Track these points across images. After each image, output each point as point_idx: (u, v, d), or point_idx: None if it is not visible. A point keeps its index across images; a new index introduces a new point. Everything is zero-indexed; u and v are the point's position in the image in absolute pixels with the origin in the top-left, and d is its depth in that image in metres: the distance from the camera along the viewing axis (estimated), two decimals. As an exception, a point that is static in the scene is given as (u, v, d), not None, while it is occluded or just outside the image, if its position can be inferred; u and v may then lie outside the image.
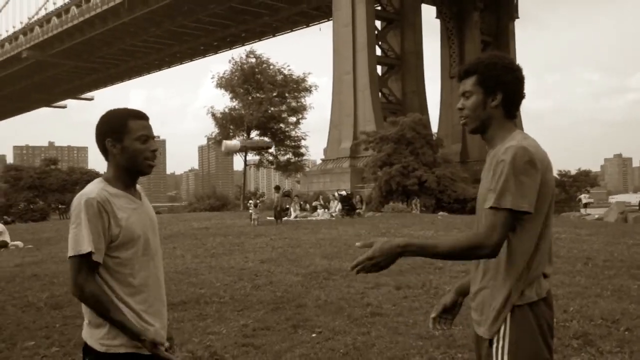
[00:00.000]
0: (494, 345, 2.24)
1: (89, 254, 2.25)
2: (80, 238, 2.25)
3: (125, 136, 2.41)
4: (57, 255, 13.68)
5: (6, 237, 16.03)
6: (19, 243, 16.20)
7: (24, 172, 59.51)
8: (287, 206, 27.17)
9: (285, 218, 25.19)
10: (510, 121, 2.31)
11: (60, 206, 57.77)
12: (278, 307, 7.19)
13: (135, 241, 2.37)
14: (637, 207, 31.33)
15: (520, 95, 2.30)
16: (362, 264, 2.24)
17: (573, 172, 63.07)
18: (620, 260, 11.11)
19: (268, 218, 23.87)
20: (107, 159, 2.48)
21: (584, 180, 61.15)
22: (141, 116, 2.49)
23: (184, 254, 12.82)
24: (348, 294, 7.96)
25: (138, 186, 2.53)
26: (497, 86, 2.25)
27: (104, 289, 2.29)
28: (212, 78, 38.91)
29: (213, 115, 38.93)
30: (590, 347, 5.23)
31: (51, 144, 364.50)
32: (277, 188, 24.86)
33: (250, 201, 26.75)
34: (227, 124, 39.07)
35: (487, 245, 2.11)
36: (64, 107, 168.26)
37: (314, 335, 5.90)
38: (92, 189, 2.38)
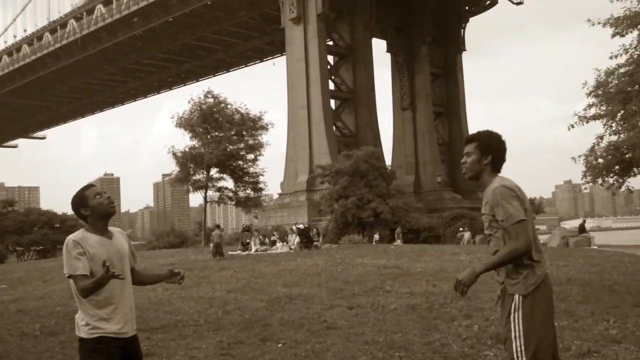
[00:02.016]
0: (512, 316, 3.35)
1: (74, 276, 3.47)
2: (75, 265, 3.47)
3: (88, 201, 3.65)
4: (32, 293, 14.50)
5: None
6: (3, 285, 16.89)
7: (-21, 214, 59.03)
8: (248, 241, 28.27)
9: (247, 252, 26.28)
10: (496, 173, 3.58)
11: (17, 248, 57.36)
12: (247, 327, 8.35)
13: (111, 263, 3.51)
14: (577, 232, 33.24)
15: (504, 159, 3.63)
16: (458, 288, 3.35)
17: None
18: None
19: (229, 253, 24.87)
20: (85, 221, 3.69)
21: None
22: (91, 186, 3.79)
23: (155, 287, 13.74)
24: (307, 314, 9.16)
25: (112, 228, 3.78)
26: (489, 151, 3.55)
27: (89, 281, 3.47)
28: (171, 118, 40.07)
29: (174, 154, 40.00)
30: (502, 345, 6.54)
31: (1, 184, 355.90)
32: (218, 226, 26.31)
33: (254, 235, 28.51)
34: (188, 162, 40.14)
35: (521, 246, 3.30)
36: (15, 146, 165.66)
37: (279, 345, 7.10)
38: (75, 234, 3.61)
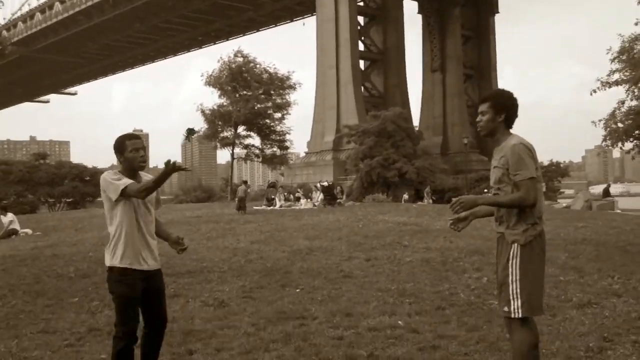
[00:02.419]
0: (510, 262, 3.64)
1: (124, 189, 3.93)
2: (118, 184, 3.95)
3: (125, 151, 4.07)
4: (66, 240, 15.18)
5: (16, 226, 17.47)
6: (29, 230, 17.66)
7: (13, 167, 60.66)
8: (273, 196, 28.81)
9: (271, 207, 26.84)
10: (509, 130, 3.85)
11: (49, 199, 58.90)
12: (268, 274, 8.83)
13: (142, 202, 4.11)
14: (601, 196, 33.18)
15: (516, 115, 3.88)
16: (455, 205, 3.69)
17: (546, 163, 65.23)
18: (563, 238, 12.83)
19: (254, 208, 25.41)
20: (120, 163, 4.16)
21: (555, 171, 63.25)
22: (133, 137, 4.18)
23: (183, 237, 14.33)
24: (326, 264, 9.61)
25: (143, 174, 4.23)
26: (502, 109, 3.83)
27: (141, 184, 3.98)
28: (201, 76, 40.48)
29: (202, 111, 40.53)
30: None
31: (33, 138, 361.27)
32: (245, 182, 26.83)
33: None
34: (216, 120, 40.66)
35: (529, 200, 3.59)
36: (47, 101, 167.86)
37: (298, 290, 7.57)
38: (107, 173, 4.10)
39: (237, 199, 24.83)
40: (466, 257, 9.96)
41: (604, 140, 11.70)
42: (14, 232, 17.16)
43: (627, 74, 11.03)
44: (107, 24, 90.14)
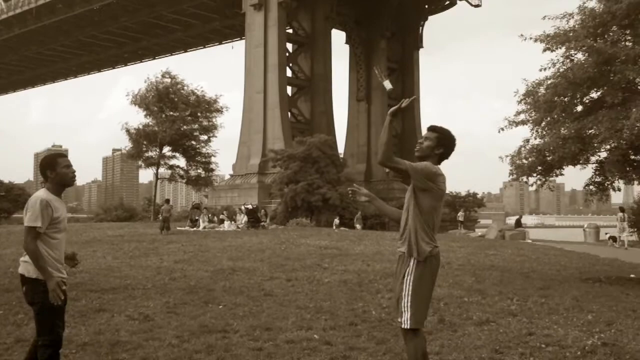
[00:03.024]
0: (406, 278, 4.14)
1: (37, 227, 4.28)
2: (35, 218, 4.27)
3: (57, 167, 4.42)
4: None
5: None
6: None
7: None
8: (197, 217, 28.87)
9: (195, 228, 26.93)
10: (438, 163, 4.34)
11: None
12: (192, 291, 9.14)
13: (62, 222, 4.45)
14: (514, 226, 34.88)
15: (448, 155, 4.41)
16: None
17: (463, 193, 67.84)
18: (473, 264, 13.70)
19: (178, 228, 25.42)
20: (46, 181, 4.48)
21: (472, 201, 65.87)
22: (64, 155, 4.57)
23: (104, 255, 14.40)
24: (248, 283, 10.00)
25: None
26: (442, 145, 4.36)
27: (39, 248, 4.30)
28: (126, 95, 40.14)
29: (127, 130, 40.10)
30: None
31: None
32: (167, 201, 27.02)
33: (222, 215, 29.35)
34: (141, 139, 40.31)
35: (416, 170, 4.16)
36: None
37: (220, 306, 7.94)
38: (42, 193, 4.44)
39: (161, 219, 24.84)
40: (381, 279, 10.55)
41: (510, 174, 12.63)
42: None
43: (532, 115, 12.00)
44: (30, 35, 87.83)
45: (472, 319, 7.26)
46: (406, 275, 4.18)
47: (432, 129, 4.46)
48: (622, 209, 25.21)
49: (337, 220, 39.38)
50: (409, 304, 4.10)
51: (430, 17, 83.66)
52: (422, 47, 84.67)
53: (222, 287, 9.56)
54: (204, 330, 6.55)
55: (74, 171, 4.52)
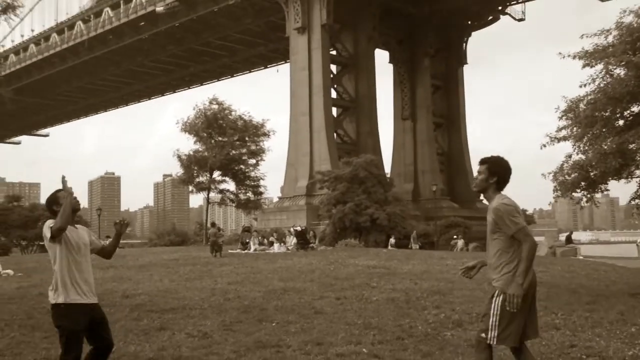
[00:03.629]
0: (494, 298, 4.39)
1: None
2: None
3: (60, 200, 4.87)
4: (48, 280, 15.63)
5: (-1, 267, 17.94)
6: (10, 271, 18.07)
7: (-14, 209, 60.53)
8: (247, 240, 29.50)
9: (246, 251, 27.56)
10: (499, 191, 4.59)
11: (22, 242, 58.70)
12: (246, 311, 9.60)
13: (79, 246, 4.91)
14: (564, 243, 34.45)
15: (507, 180, 4.65)
16: (512, 302, 4.28)
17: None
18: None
19: (230, 251, 26.04)
20: (55, 215, 4.83)
21: (522, 219, 65.17)
22: (62, 190, 4.93)
23: (161, 279, 15.03)
24: (299, 302, 10.41)
25: (78, 226, 5.08)
26: (495, 173, 4.61)
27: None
28: (176, 123, 41.46)
29: (179, 157, 41.38)
30: (459, 328, 7.79)
31: (2, 179, 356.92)
32: (213, 224, 27.65)
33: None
34: (192, 165, 41.51)
35: (533, 246, 4.33)
36: (19, 143, 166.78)
37: (273, 324, 8.37)
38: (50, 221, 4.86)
39: (210, 243, 25.55)
40: (428, 297, 10.83)
41: (554, 191, 12.76)
42: (-4, 273, 17.59)
43: (573, 131, 12.18)
44: (82, 66, 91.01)
45: (516, 332, 7.48)
46: (495, 296, 4.45)
47: (481, 162, 4.72)
48: None
49: (392, 240, 39.58)
50: (496, 323, 4.39)
51: (473, 33, 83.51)
52: (466, 63, 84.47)
53: (275, 306, 10.00)
54: (258, 345, 6.98)
55: (75, 197, 4.96)
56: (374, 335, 7.44)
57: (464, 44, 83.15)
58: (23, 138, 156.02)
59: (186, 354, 6.71)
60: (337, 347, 6.81)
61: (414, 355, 6.38)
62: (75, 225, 5.04)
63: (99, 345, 4.99)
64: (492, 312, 4.43)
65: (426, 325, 8.08)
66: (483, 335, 4.46)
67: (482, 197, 4.78)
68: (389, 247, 36.24)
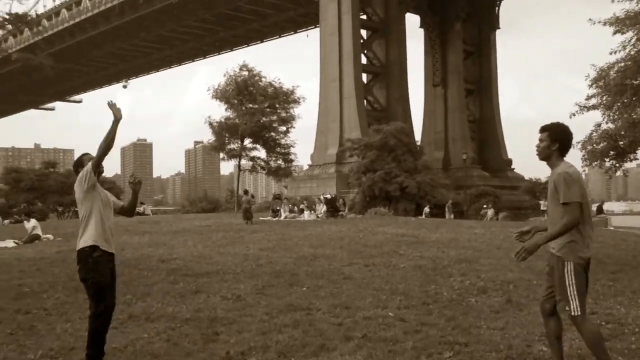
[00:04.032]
0: (566, 270, 4.45)
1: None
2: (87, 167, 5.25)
3: (84, 163, 5.36)
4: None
5: (39, 231, 18.57)
6: (50, 236, 18.74)
7: (24, 175, 62.12)
8: (278, 208, 29.95)
9: (277, 218, 28.00)
10: (562, 158, 4.67)
11: (58, 208, 60.17)
12: (278, 275, 9.96)
13: (105, 201, 5.42)
14: (595, 214, 34.26)
15: (569, 146, 4.71)
16: (520, 253, 4.48)
17: (543, 179, 66.47)
18: (548, 251, 13.92)
19: (261, 218, 26.49)
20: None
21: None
22: (87, 154, 5.51)
23: (195, 244, 15.49)
24: (329, 269, 10.74)
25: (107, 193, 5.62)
26: (556, 140, 4.63)
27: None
28: (208, 90, 41.87)
29: (210, 124, 41.91)
30: (484, 294, 8.04)
31: (37, 146, 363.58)
32: (246, 192, 27.92)
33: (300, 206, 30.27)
34: (223, 132, 42.02)
35: (574, 221, 4.35)
36: (52, 109, 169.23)
37: (304, 288, 8.71)
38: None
39: (242, 210, 26.00)
40: (455, 265, 11.07)
41: (583, 160, 12.81)
42: (37, 237, 18.23)
43: (603, 99, 12.17)
44: (114, 32, 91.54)
45: (539, 300, 7.69)
46: (567, 271, 4.55)
47: (542, 129, 4.74)
48: None
49: (427, 209, 39.76)
50: (575, 293, 4.50)
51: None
52: (499, 27, 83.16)
53: (305, 272, 10.34)
54: (290, 308, 7.32)
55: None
56: (400, 301, 7.72)
57: (497, 8, 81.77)
58: (57, 104, 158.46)
59: (221, 315, 7.08)
60: (365, 311, 7.12)
61: (438, 319, 6.65)
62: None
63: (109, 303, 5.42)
64: (567, 283, 4.53)
65: (451, 291, 8.34)
66: (567, 309, 4.56)
67: (547, 163, 4.72)
68: (423, 216, 36.43)
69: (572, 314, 4.53)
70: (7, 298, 8.54)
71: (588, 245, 4.59)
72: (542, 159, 4.74)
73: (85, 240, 5.30)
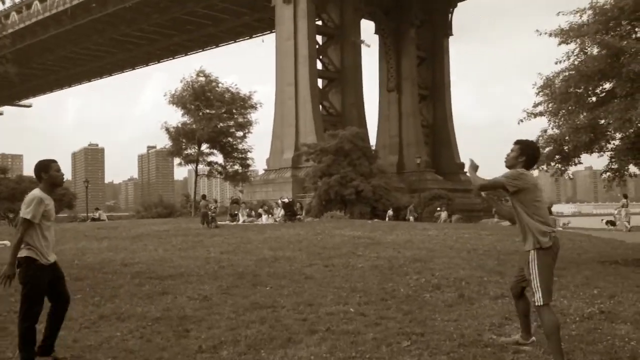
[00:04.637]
0: (531, 264, 4.99)
1: (31, 220, 5.39)
2: (32, 212, 5.38)
3: (50, 170, 5.54)
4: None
5: (-5, 237, 18.44)
6: (7, 242, 18.52)
7: (-27, 181, 60.80)
8: (236, 212, 30.15)
9: (235, 222, 28.20)
10: (525, 169, 5.20)
11: (9, 214, 59.00)
12: (241, 277, 10.28)
13: (51, 216, 5.56)
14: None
15: (534, 162, 5.34)
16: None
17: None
18: (498, 250, 14.59)
19: (219, 222, 26.66)
20: (40, 182, 5.55)
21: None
22: (55, 161, 5.66)
23: (155, 248, 15.66)
24: (290, 269, 11.11)
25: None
26: (524, 154, 5.24)
27: (27, 239, 5.42)
28: (164, 95, 42.01)
29: (167, 129, 41.86)
30: (438, 290, 8.53)
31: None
32: (204, 197, 28.20)
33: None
34: (180, 137, 42.02)
35: (501, 182, 5.08)
36: (1, 113, 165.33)
37: (267, 288, 9.07)
38: (38, 192, 5.48)
39: (200, 214, 26.28)
40: (410, 264, 11.56)
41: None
42: (-7, 243, 18.08)
43: (549, 107, 12.83)
44: (65, 35, 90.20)
45: (489, 294, 8.23)
46: (530, 262, 5.07)
47: (516, 142, 5.36)
48: (625, 196, 28.19)
49: (390, 212, 40.49)
50: (538, 284, 5.00)
51: (459, 4, 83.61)
52: (451, 34, 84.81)
53: (267, 273, 10.68)
54: (255, 306, 7.66)
55: (63, 174, 5.76)
56: (360, 297, 8.14)
57: (450, 15, 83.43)
58: (5, 108, 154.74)
59: (190, 313, 7.37)
60: (327, 307, 7.51)
61: (396, 313, 7.08)
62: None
63: (58, 300, 5.80)
64: (532, 275, 5.04)
65: (408, 288, 8.80)
66: (532, 299, 5.09)
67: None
68: (387, 219, 37.21)
69: (536, 302, 5.05)
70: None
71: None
72: (507, 166, 5.34)
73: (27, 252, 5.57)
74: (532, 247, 5.07)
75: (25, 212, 5.41)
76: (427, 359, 5.27)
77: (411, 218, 40.23)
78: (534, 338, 5.65)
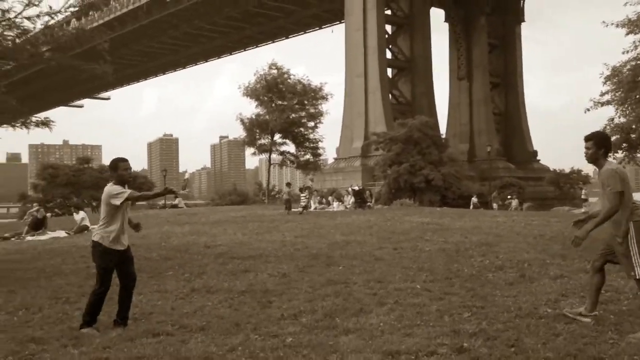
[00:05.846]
0: (631, 242, 5.58)
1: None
2: (123, 194, 6.26)
3: (118, 169, 6.40)
4: (132, 234, 17.49)
5: (87, 222, 19.95)
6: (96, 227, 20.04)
7: (60, 170, 64.32)
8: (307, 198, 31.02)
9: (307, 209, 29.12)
10: (606, 158, 5.81)
11: (93, 202, 62.17)
12: (315, 258, 11.07)
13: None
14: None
15: (610, 148, 5.86)
16: (575, 241, 5.80)
17: (567, 170, 66.89)
18: (565, 236, 14.81)
19: (293, 210, 27.62)
20: (112, 176, 6.48)
21: (577, 178, 64.98)
22: (125, 160, 6.53)
23: (235, 232, 16.66)
24: (361, 252, 11.82)
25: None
26: (601, 145, 5.81)
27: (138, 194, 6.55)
28: (238, 88, 43.40)
29: (241, 120, 43.27)
30: (500, 271, 9.06)
31: (65, 142, 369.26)
32: (288, 184, 29.00)
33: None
34: (254, 128, 43.35)
35: (615, 207, 5.57)
36: (81, 106, 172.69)
37: (340, 267, 9.82)
38: (116, 186, 6.36)
39: (284, 200, 27.37)
40: (476, 248, 12.06)
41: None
42: (86, 228, 19.60)
43: (616, 95, 13.05)
44: (141, 30, 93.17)
45: (549, 274, 8.71)
46: (631, 238, 5.62)
47: (586, 139, 5.83)
48: None
49: (474, 199, 40.68)
50: (638, 259, 5.59)
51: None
52: (523, 21, 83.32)
53: (339, 255, 11.43)
54: (330, 282, 8.43)
55: (130, 172, 6.65)
56: (426, 276, 8.79)
57: (522, 1, 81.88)
58: (85, 101, 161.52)
59: (271, 287, 8.21)
60: (395, 284, 8.20)
61: (459, 290, 7.70)
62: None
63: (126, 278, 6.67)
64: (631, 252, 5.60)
65: (472, 268, 9.37)
66: (632, 273, 5.65)
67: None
68: (471, 207, 37.60)
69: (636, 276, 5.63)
70: (80, 278, 9.77)
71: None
72: (590, 162, 5.88)
73: (104, 239, 6.52)
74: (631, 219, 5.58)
75: (116, 199, 6.34)
76: (485, 327, 5.87)
77: (495, 205, 40.29)
78: (596, 312, 6.11)
